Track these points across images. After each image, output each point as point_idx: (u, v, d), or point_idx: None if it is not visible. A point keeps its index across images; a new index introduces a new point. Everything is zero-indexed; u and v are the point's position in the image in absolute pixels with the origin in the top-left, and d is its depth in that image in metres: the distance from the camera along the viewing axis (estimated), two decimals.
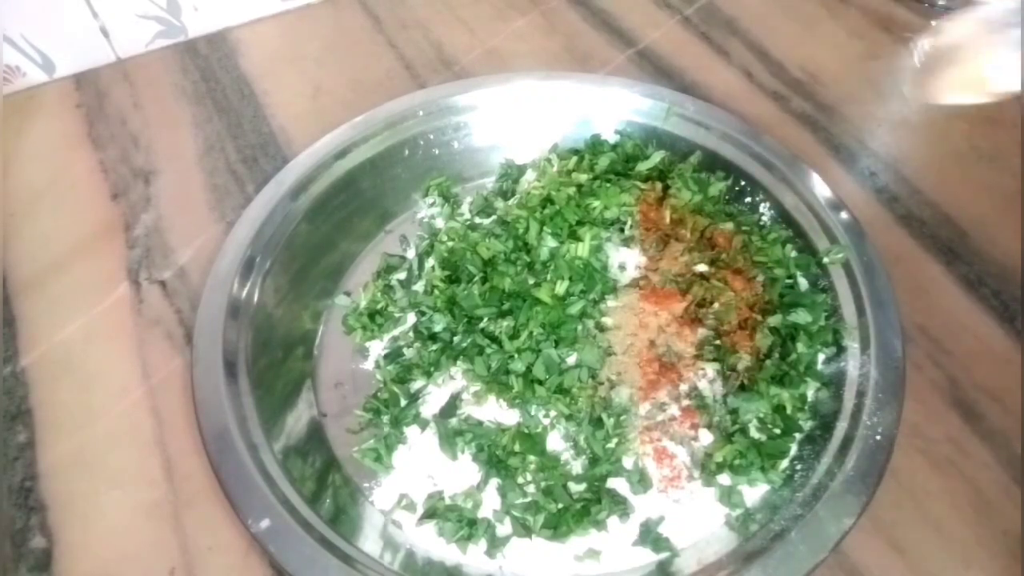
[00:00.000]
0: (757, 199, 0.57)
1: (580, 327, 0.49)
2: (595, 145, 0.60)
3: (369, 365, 0.52)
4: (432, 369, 0.49)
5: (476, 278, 0.51)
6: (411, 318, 0.53)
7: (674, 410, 0.47)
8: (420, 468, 0.47)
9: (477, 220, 0.57)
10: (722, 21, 0.73)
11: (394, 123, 0.59)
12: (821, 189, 0.54)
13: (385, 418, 0.48)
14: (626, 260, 0.52)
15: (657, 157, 0.57)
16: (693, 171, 0.57)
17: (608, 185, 0.54)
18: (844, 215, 0.53)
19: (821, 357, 0.49)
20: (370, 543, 0.43)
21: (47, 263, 0.56)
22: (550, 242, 0.51)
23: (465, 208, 0.59)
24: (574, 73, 0.66)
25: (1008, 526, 0.43)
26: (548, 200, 0.53)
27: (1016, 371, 0.49)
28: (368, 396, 0.49)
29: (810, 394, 0.48)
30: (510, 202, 0.56)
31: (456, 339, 0.50)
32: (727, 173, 0.57)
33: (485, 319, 0.49)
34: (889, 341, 0.47)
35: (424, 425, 0.48)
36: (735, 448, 0.44)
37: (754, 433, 0.46)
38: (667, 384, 0.47)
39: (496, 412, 0.48)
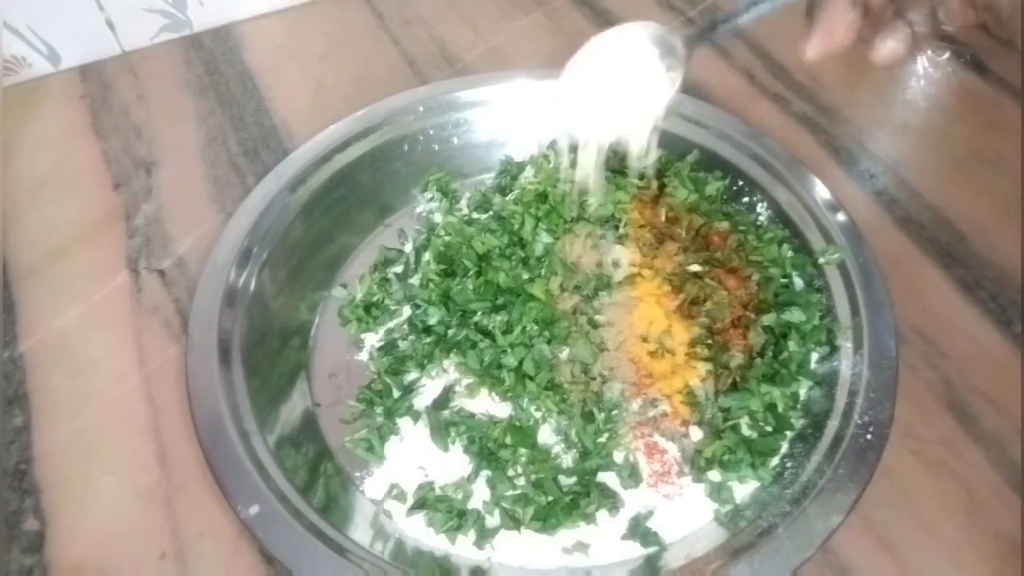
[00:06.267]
0: (755, 199, 0.57)
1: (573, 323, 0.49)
2: None
3: (364, 356, 0.52)
4: (426, 361, 0.49)
5: (471, 272, 0.51)
6: (406, 311, 0.53)
7: (665, 406, 0.47)
8: (412, 459, 0.47)
9: (475, 216, 0.57)
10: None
11: (394, 118, 0.59)
12: (819, 190, 0.54)
13: (378, 409, 0.48)
14: (620, 257, 0.52)
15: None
16: (690, 170, 0.56)
17: (604, 182, 0.54)
18: (841, 216, 0.53)
19: (814, 356, 0.49)
20: (360, 532, 0.43)
21: (48, 250, 0.57)
22: (545, 238, 0.51)
23: (464, 204, 0.59)
24: None
25: (999, 528, 0.43)
26: (543, 196, 0.53)
27: (1011, 375, 0.49)
28: (362, 387, 0.50)
29: (802, 393, 0.47)
30: (507, 198, 0.56)
31: (450, 332, 0.50)
32: (725, 173, 0.57)
33: (479, 313, 0.50)
34: (883, 341, 0.47)
35: (416, 416, 0.48)
36: (725, 444, 0.44)
37: (745, 430, 0.46)
38: (659, 380, 0.47)
39: (488, 405, 0.48)
